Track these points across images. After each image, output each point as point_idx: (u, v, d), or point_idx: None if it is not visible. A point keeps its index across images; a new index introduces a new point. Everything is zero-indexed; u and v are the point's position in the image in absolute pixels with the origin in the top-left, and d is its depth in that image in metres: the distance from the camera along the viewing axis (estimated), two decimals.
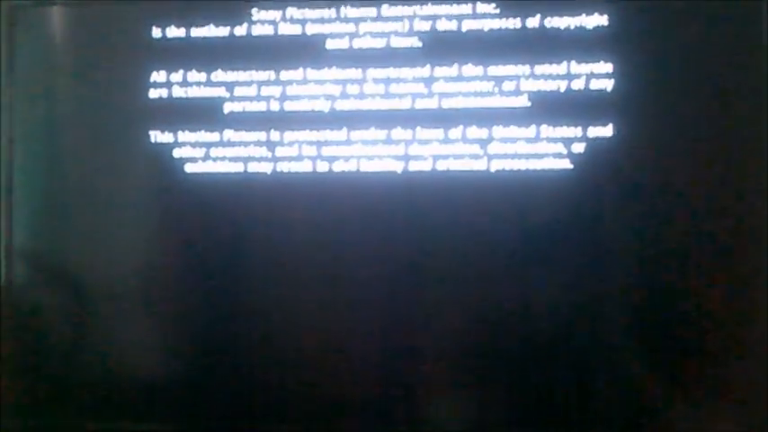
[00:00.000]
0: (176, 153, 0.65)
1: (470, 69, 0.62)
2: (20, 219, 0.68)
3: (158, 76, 0.65)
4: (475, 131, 0.62)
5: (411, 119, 0.62)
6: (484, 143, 0.62)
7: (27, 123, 0.68)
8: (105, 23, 0.66)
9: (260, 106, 0.64)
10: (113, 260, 0.66)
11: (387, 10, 0.63)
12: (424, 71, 0.62)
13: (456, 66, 0.62)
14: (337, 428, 0.63)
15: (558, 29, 0.61)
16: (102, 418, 0.65)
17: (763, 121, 0.59)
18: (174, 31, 0.65)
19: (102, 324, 0.66)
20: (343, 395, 0.63)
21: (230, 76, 0.64)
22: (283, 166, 0.63)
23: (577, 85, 0.61)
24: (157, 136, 0.65)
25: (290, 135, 0.63)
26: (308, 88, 0.63)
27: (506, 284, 0.61)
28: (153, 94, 0.65)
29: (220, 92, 0.64)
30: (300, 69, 0.63)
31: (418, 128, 0.62)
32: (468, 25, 0.62)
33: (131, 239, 0.67)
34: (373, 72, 0.63)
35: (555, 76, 0.61)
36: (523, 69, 0.61)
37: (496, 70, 0.62)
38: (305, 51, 0.63)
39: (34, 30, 0.68)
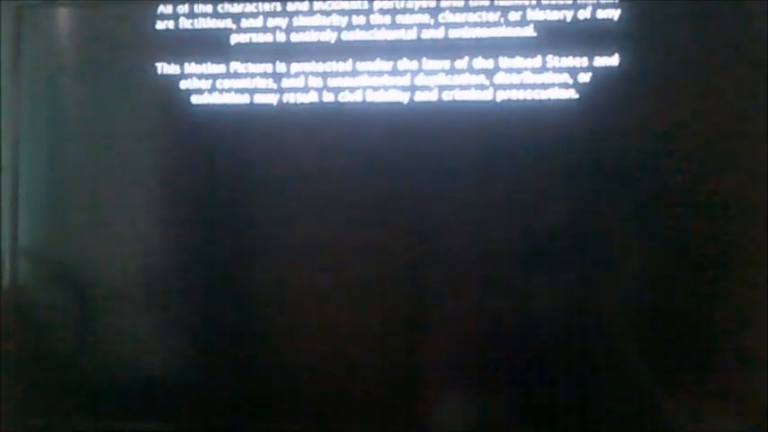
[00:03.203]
0: (183, 84, 0.65)
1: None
2: (24, 219, 0.68)
3: (165, 8, 0.65)
4: (481, 62, 0.62)
5: (417, 49, 0.62)
6: (490, 73, 0.62)
7: (32, 123, 0.68)
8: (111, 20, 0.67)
9: (266, 37, 0.64)
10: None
11: None
12: (430, 2, 0.62)
13: None
14: (339, 429, 0.64)
15: None
16: (106, 419, 0.66)
17: None
18: None
19: (106, 320, 0.66)
20: (347, 388, 0.63)
21: (237, 7, 0.64)
22: (289, 98, 0.64)
23: (583, 14, 0.61)
24: (164, 67, 0.65)
25: (296, 66, 0.63)
26: (315, 19, 0.63)
27: (511, 215, 0.62)
28: (160, 25, 0.65)
29: (227, 23, 0.64)
30: (306, 0, 0.63)
31: (424, 59, 0.62)
32: None
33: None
34: (379, 3, 0.63)
35: (561, 6, 0.61)
36: None
37: (502, 0, 0.62)
38: None
39: (40, 29, 0.68)
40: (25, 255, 0.68)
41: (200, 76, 0.64)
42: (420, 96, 0.62)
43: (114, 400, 0.66)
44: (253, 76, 0.64)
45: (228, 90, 0.64)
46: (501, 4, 0.61)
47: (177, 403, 0.65)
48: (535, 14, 0.61)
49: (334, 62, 0.63)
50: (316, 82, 0.63)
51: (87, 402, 0.66)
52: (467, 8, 0.62)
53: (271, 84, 0.64)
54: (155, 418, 0.65)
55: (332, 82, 0.63)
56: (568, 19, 0.61)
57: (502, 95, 0.62)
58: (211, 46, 0.64)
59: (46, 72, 0.68)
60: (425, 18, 0.62)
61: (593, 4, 0.61)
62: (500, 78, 0.62)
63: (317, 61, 0.63)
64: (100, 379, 0.66)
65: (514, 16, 0.61)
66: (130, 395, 0.66)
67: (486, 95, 0.62)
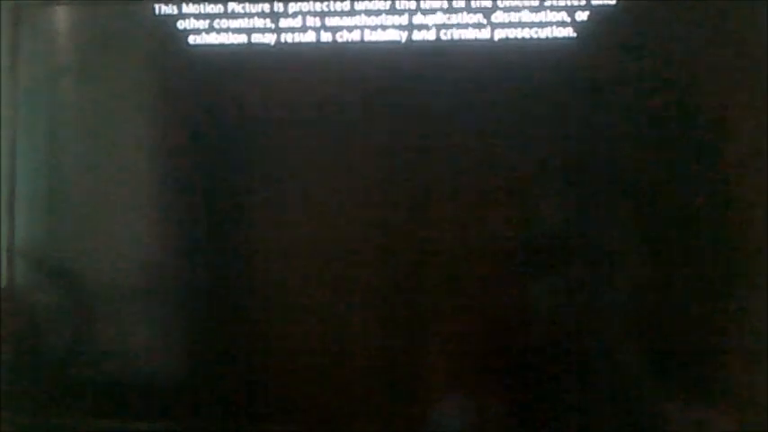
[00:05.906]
0: (180, 25, 0.65)
1: None
2: (21, 218, 0.67)
3: None
4: (479, 0, 0.62)
5: None
6: (488, 12, 0.62)
7: (29, 122, 0.67)
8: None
9: None
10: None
11: None
12: None
13: None
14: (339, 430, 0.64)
15: None
16: (104, 419, 0.66)
17: None
18: None
19: (104, 320, 0.66)
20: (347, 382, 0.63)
21: None
22: (287, 37, 0.63)
23: None
24: (161, 8, 0.65)
25: (293, 6, 0.63)
26: None
27: (509, 153, 0.62)
28: None
29: None
30: None
31: None
32: None
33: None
34: None
35: None
36: None
37: None
38: None
39: (38, 29, 0.67)
40: (22, 254, 0.67)
41: (198, 16, 0.64)
42: (418, 35, 0.62)
43: (112, 401, 0.66)
44: (250, 15, 0.64)
45: (226, 30, 0.64)
46: None
47: (176, 403, 0.65)
48: None
49: (331, 1, 0.63)
50: (313, 21, 0.63)
51: (85, 402, 0.66)
52: None
53: (268, 23, 0.64)
54: (153, 418, 0.65)
55: (329, 21, 0.63)
56: None
57: (500, 34, 0.62)
58: None
59: (44, 71, 0.67)
60: None
61: None
62: (498, 17, 0.62)
63: (314, 0, 0.63)
64: (98, 379, 0.66)
65: None
66: (129, 395, 0.65)
67: (484, 34, 0.62)
